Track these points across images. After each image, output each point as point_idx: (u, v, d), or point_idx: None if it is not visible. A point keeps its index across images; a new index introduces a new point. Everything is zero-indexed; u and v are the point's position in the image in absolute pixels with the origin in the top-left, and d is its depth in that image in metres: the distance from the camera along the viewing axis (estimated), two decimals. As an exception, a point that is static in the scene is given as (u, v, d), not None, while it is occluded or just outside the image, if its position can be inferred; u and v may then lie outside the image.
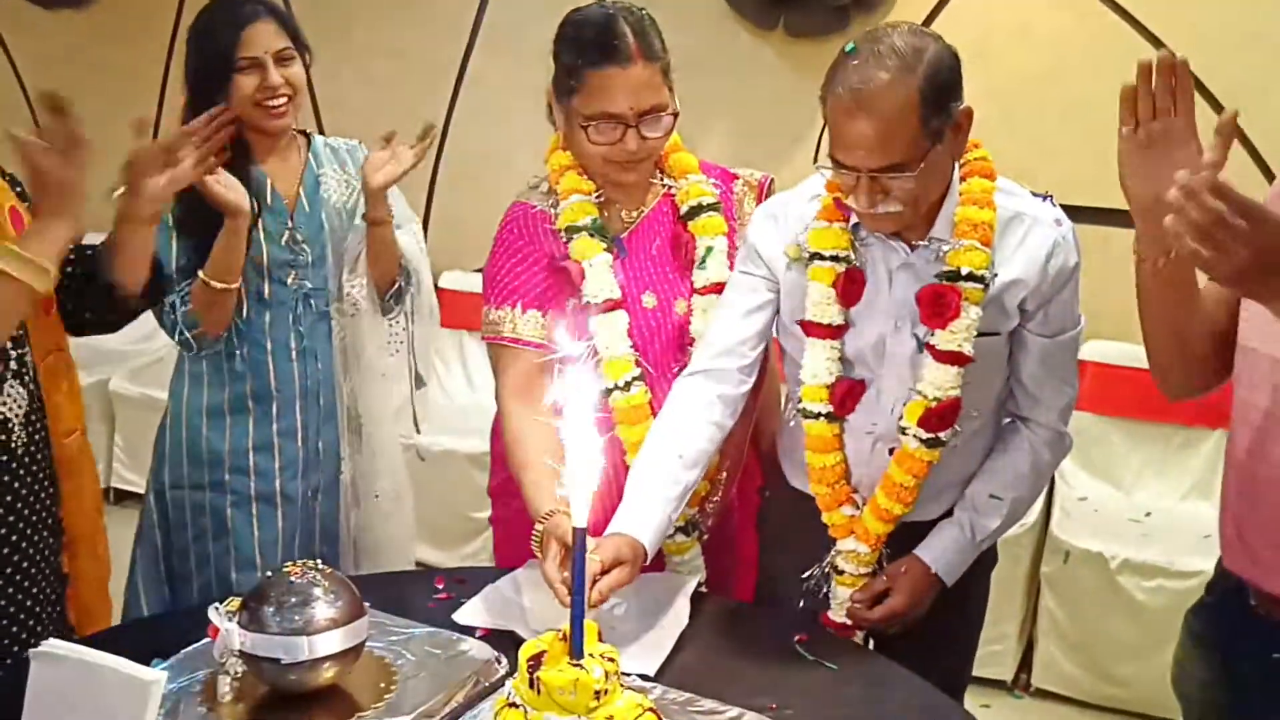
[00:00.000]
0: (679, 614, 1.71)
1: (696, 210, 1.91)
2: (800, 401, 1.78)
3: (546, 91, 1.87)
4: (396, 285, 2.29)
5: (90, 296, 1.87)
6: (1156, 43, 3.34)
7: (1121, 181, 1.41)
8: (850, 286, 1.72)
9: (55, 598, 1.81)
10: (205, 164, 1.89)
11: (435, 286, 4.17)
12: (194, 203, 2.02)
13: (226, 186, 2.02)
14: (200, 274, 2.07)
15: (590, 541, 1.60)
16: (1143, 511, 3.38)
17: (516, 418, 1.83)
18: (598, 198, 1.88)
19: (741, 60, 3.82)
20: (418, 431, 2.49)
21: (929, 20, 3.60)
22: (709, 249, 1.90)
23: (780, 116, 3.75)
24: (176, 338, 2.12)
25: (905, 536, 1.80)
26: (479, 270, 4.52)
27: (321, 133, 2.42)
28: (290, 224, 2.18)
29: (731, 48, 3.82)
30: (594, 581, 1.54)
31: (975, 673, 2.04)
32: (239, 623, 1.43)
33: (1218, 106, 3.14)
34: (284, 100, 2.11)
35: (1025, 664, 3.31)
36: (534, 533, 1.68)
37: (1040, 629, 3.26)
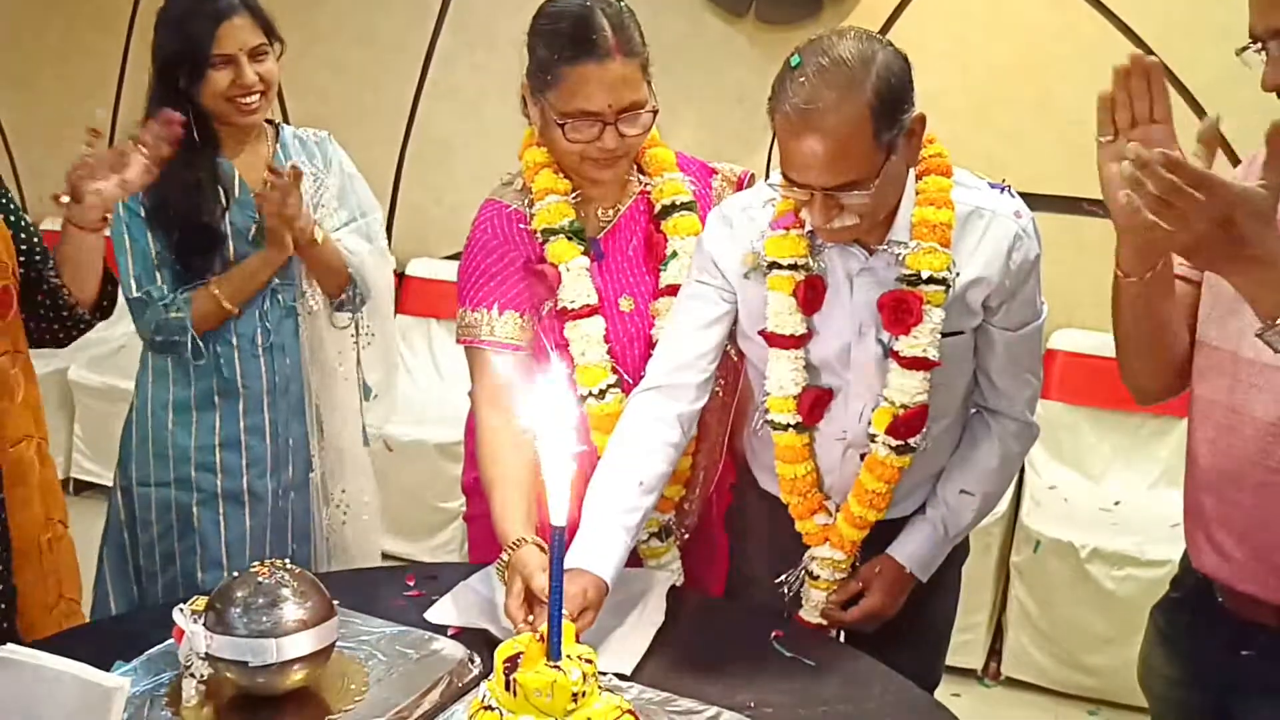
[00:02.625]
0: (655, 612, 1.69)
1: (670, 209, 1.87)
2: (767, 412, 1.75)
3: (521, 85, 1.81)
4: (345, 294, 2.25)
5: (39, 305, 1.83)
6: (1129, 33, 3.34)
7: (1103, 192, 1.38)
8: (811, 294, 1.68)
9: (3, 609, 1.76)
10: (152, 171, 1.86)
11: (402, 274, 4.16)
12: (168, 193, 2.01)
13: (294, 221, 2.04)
14: (215, 289, 2.08)
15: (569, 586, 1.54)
16: (1112, 500, 3.40)
17: (490, 430, 1.77)
18: (574, 197, 1.83)
19: (713, 48, 3.79)
20: (366, 444, 2.42)
21: (899, 10, 3.59)
22: (674, 252, 1.85)
23: (752, 104, 3.71)
24: (178, 338, 2.08)
25: (878, 534, 1.78)
26: (447, 258, 4.51)
27: (286, 118, 2.37)
28: (258, 218, 2.12)
29: (702, 35, 3.80)
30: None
31: (946, 662, 2.03)
32: (205, 624, 1.39)
33: (1191, 99, 3.15)
34: (257, 97, 2.07)
35: (995, 653, 3.33)
36: (499, 561, 1.65)
37: (1010, 618, 3.27)
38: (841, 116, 1.47)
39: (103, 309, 1.97)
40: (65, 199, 1.80)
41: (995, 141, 3.36)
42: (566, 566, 1.56)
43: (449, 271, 4.22)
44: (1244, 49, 1.37)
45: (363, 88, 4.25)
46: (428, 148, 4.28)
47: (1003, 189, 1.69)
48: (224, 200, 2.10)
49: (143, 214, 2.06)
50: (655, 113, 1.78)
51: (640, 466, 1.70)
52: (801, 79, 1.49)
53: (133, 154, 1.82)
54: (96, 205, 1.80)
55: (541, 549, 1.58)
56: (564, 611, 1.45)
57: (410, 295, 4.21)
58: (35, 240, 1.87)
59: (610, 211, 1.88)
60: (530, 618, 1.52)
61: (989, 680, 3.31)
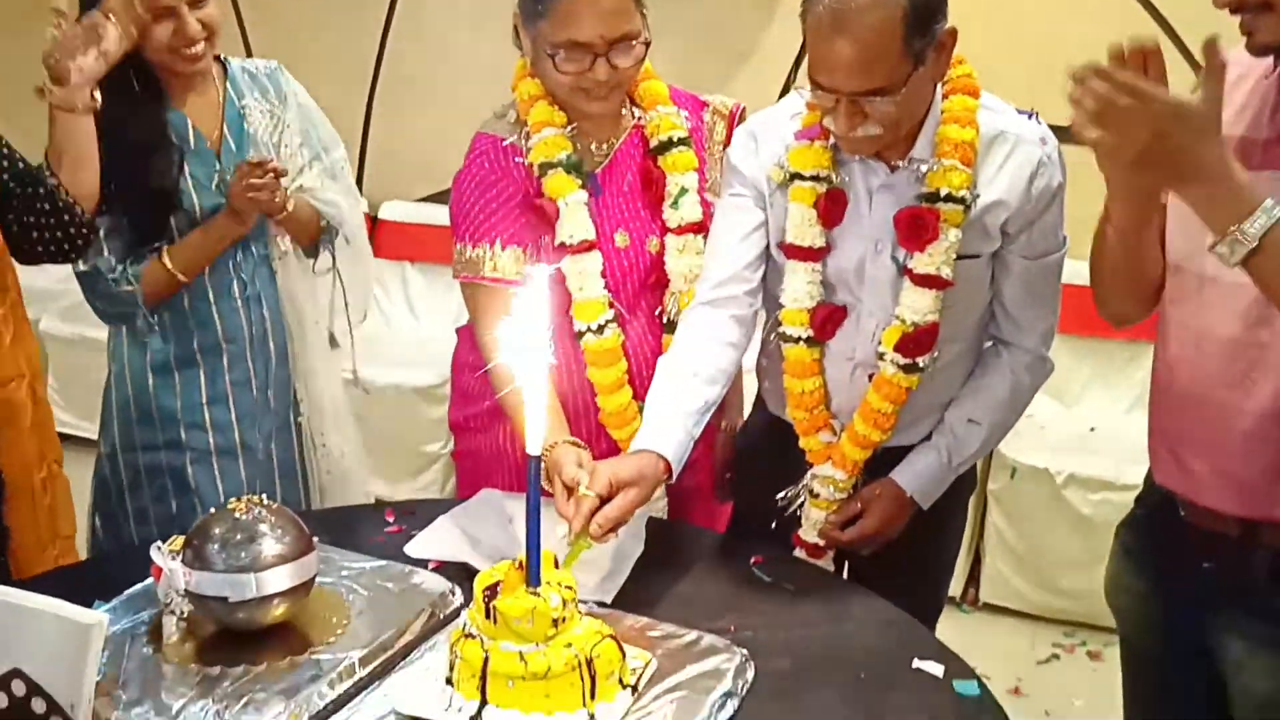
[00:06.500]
0: (634, 542, 1.69)
1: (667, 145, 1.85)
2: (780, 325, 1.75)
3: (513, 14, 1.78)
4: (319, 244, 2.22)
5: (40, 216, 1.78)
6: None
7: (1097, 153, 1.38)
8: (832, 207, 1.68)
9: None
10: (131, 35, 1.78)
11: (375, 218, 4.12)
12: (117, 158, 1.91)
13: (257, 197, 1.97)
14: (167, 261, 2.00)
15: (600, 466, 1.55)
16: (1088, 426, 3.43)
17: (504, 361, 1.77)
18: (570, 130, 1.81)
19: (684, -21, 3.73)
20: (357, 385, 2.39)
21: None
22: (682, 189, 1.85)
23: (725, 37, 3.69)
24: (129, 312, 2.02)
25: (883, 462, 1.79)
26: (421, 200, 4.43)
27: (249, 53, 2.29)
28: (219, 166, 2.06)
29: (673, -33, 3.73)
30: (589, 517, 1.49)
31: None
32: (183, 561, 1.39)
33: (1175, 37, 3.12)
34: (201, 44, 1.97)
35: (974, 579, 3.38)
36: None
37: (987, 545, 3.32)
38: (873, 19, 1.48)
39: (101, 211, 1.89)
40: (48, 87, 1.74)
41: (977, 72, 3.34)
42: (630, 450, 1.61)
43: (423, 214, 4.19)
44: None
45: (327, 22, 4.14)
46: (397, 86, 4.21)
47: (1030, 115, 1.69)
48: (178, 157, 2.02)
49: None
50: (648, 45, 1.76)
51: (694, 361, 1.70)
52: None
53: (104, 24, 1.74)
54: (81, 84, 1.72)
55: (577, 445, 1.60)
56: (594, 493, 1.48)
57: (383, 239, 4.17)
58: (16, 155, 1.81)
59: (605, 146, 1.87)
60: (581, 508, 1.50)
61: (967, 606, 3.36)
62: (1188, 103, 1.22)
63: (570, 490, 1.52)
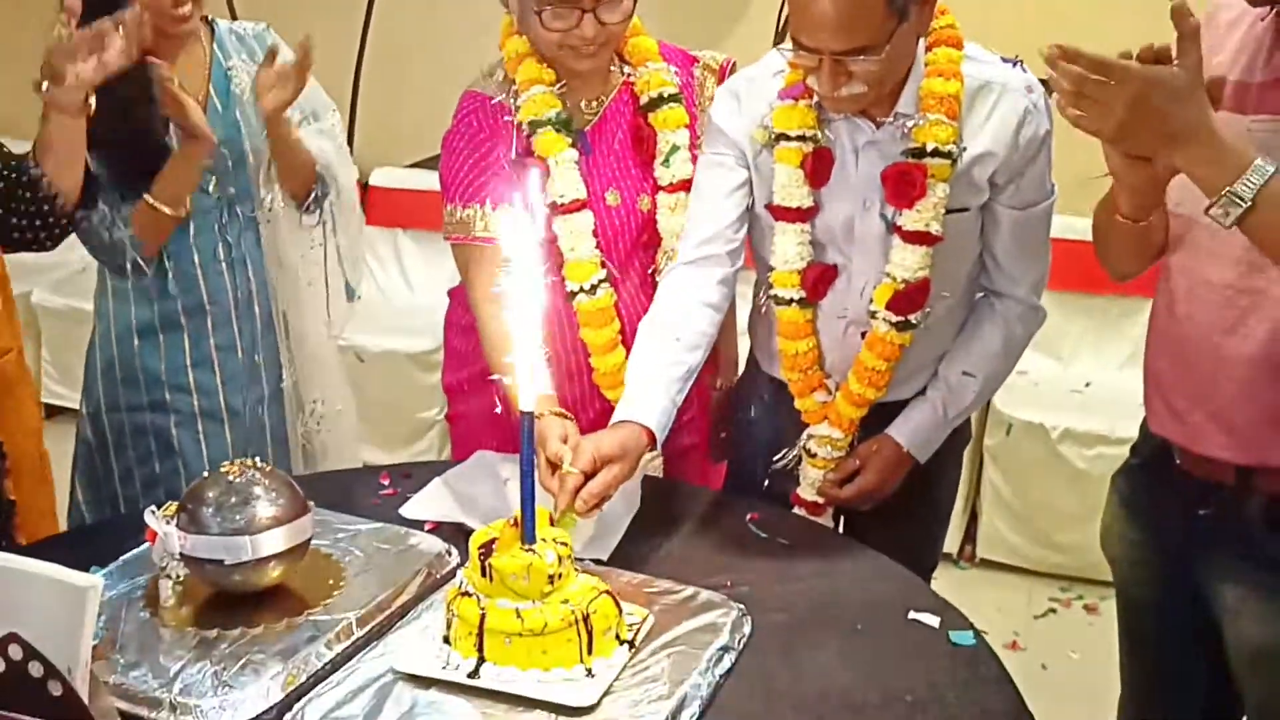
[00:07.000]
0: (630, 500, 1.69)
1: (657, 102, 1.83)
2: (771, 287, 1.74)
3: None
4: (314, 193, 2.20)
5: (20, 204, 1.78)
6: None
7: (1104, 145, 1.37)
8: (819, 166, 1.67)
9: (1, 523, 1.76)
10: (130, 53, 1.76)
11: (365, 184, 4.08)
12: (107, 111, 1.90)
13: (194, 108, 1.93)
14: (148, 198, 1.98)
15: (583, 442, 1.55)
16: (1083, 382, 3.44)
17: (496, 322, 1.71)
18: (559, 88, 1.79)
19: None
20: (331, 337, 2.37)
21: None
22: (673, 146, 1.83)
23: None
24: (124, 260, 2.01)
25: (879, 417, 1.78)
26: (411, 166, 4.39)
27: (234, 14, 2.26)
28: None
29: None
30: (574, 494, 1.48)
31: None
32: (178, 525, 1.38)
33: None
34: (189, 5, 1.96)
35: (970, 535, 3.39)
36: None
37: (984, 501, 3.33)
38: None
39: (84, 203, 1.89)
40: (45, 84, 1.73)
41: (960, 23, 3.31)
42: (613, 421, 1.60)
43: (414, 180, 4.16)
44: None
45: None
46: (387, 51, 4.16)
47: (1014, 64, 1.67)
48: (165, 115, 1.99)
49: None
50: None
51: (675, 325, 1.69)
52: None
53: (111, 35, 1.72)
54: (76, 87, 1.72)
55: (564, 416, 1.59)
56: (576, 470, 1.47)
57: (375, 206, 4.14)
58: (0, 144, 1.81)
59: (594, 104, 1.85)
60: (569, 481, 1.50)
61: (964, 563, 3.38)
62: (1160, 71, 1.22)
63: (554, 466, 1.51)
